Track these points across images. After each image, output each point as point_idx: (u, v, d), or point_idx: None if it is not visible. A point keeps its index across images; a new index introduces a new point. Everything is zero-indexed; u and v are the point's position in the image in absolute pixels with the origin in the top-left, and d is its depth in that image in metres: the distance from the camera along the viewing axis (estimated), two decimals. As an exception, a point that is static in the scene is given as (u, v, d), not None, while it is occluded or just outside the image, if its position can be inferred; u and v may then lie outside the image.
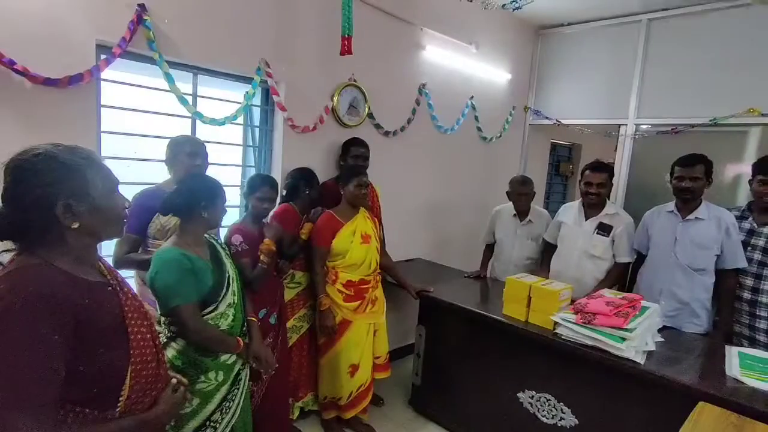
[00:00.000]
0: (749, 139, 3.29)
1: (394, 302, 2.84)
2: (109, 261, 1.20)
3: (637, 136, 3.75)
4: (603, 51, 3.92)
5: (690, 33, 3.43)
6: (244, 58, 2.38)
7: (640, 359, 1.83)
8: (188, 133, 2.32)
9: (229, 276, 1.63)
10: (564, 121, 4.16)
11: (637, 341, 1.84)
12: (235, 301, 1.64)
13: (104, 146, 2.09)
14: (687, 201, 2.33)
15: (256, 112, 2.68)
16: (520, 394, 2.26)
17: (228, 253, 1.75)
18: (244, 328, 1.71)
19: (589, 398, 2.02)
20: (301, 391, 2.51)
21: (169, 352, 1.51)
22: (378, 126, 3.07)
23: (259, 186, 2.10)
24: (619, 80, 3.80)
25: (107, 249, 1.89)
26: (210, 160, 2.06)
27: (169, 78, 2.08)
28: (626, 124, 3.78)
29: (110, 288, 1.04)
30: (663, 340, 2.05)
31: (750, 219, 2.25)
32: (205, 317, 1.53)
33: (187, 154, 1.94)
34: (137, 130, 2.20)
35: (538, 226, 2.98)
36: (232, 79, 2.45)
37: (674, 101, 3.51)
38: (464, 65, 3.61)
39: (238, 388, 1.66)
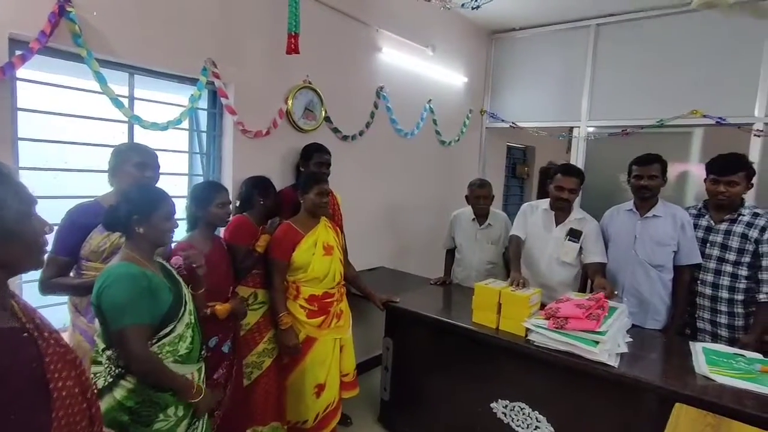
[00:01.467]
0: (693, 140, 3.46)
1: (359, 314, 2.72)
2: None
3: (589, 138, 3.84)
4: (554, 55, 4.00)
5: (636, 37, 3.56)
6: (188, 58, 2.18)
7: (614, 362, 1.80)
8: (125, 139, 2.08)
9: (185, 294, 1.48)
10: (520, 124, 4.21)
11: (609, 344, 1.82)
12: (192, 322, 1.48)
13: (22, 155, 1.82)
14: (645, 199, 2.38)
15: (203, 117, 2.47)
16: (493, 404, 2.19)
17: (177, 272, 1.58)
18: (203, 352, 1.54)
19: (564, 405, 1.97)
20: (266, 419, 2.30)
21: (118, 393, 1.31)
22: (336, 130, 2.94)
23: (217, 192, 1.90)
24: (571, 83, 3.89)
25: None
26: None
27: (99, 78, 1.84)
28: (579, 127, 3.88)
29: (26, 334, 0.84)
30: (632, 340, 2.05)
31: (707, 216, 2.31)
32: (162, 342, 1.36)
33: (134, 164, 1.72)
34: (65, 136, 1.94)
35: (497, 230, 2.95)
36: (174, 80, 2.24)
37: (624, 104, 3.63)
38: (421, 68, 3.55)
39: (199, 420, 1.49)
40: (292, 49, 2.21)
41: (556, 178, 2.49)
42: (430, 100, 3.70)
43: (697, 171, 3.46)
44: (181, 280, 1.54)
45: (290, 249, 2.16)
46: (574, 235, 2.46)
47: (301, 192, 2.22)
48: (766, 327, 2.07)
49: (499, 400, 2.17)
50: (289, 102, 2.60)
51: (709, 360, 1.85)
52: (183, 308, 1.44)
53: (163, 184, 1.77)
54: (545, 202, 2.60)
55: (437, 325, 2.34)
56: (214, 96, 2.38)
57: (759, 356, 1.92)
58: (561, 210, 2.52)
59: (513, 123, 4.25)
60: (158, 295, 1.35)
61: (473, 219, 2.97)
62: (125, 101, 2.00)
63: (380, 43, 3.17)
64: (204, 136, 2.47)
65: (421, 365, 2.49)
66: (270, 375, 2.22)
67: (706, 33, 3.26)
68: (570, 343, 1.86)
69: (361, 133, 3.11)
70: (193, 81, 2.23)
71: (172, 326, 1.38)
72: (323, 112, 2.80)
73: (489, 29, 4.25)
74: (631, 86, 3.59)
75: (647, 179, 2.34)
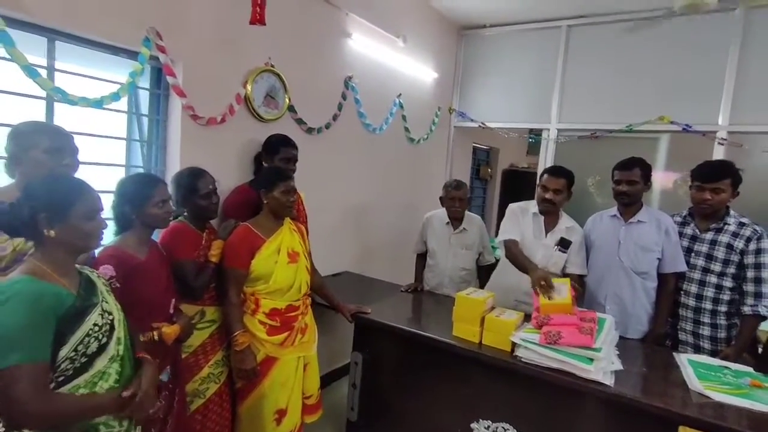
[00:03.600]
0: (660, 146, 3.48)
1: (322, 322, 2.44)
2: None
3: (559, 140, 3.79)
4: (525, 55, 3.92)
5: (607, 41, 3.54)
6: (126, 25, 1.83)
7: (609, 381, 1.66)
8: (42, 119, 1.69)
9: (113, 319, 1.18)
10: (488, 124, 4.10)
11: (604, 361, 1.68)
12: (121, 353, 1.19)
13: None
14: (626, 204, 2.31)
15: (145, 98, 2.10)
16: (474, 425, 2.00)
17: (110, 288, 1.27)
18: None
19: (552, 426, 1.82)
20: None
21: None
22: (300, 121, 2.65)
23: (154, 187, 1.55)
24: (542, 85, 3.82)
25: None
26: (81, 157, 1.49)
27: (4, 38, 1.46)
28: (548, 129, 3.82)
29: None
30: (618, 353, 1.93)
31: (692, 225, 2.25)
32: (73, 383, 1.07)
33: (45, 149, 1.37)
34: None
35: (472, 234, 2.80)
36: (108, 51, 1.87)
37: (593, 107, 3.61)
38: (392, 60, 3.33)
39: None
40: (257, 18, 1.91)
41: (542, 178, 2.37)
42: (400, 95, 3.49)
43: (662, 178, 3.48)
44: (112, 298, 1.22)
45: (249, 256, 1.86)
46: (564, 245, 2.32)
47: (264, 190, 1.92)
48: (748, 340, 2.03)
49: (481, 420, 1.98)
50: (249, 86, 2.29)
51: (699, 374, 1.77)
52: (108, 337, 1.14)
53: (93, 176, 1.42)
54: (533, 205, 2.44)
55: (412, 339, 2.12)
56: (159, 74, 2.03)
57: (743, 368, 1.87)
58: (548, 213, 2.39)
59: (482, 123, 4.13)
60: (73, 321, 1.05)
61: (447, 222, 2.79)
62: (43, 72, 1.62)
63: (350, 29, 2.91)
64: (146, 121, 2.10)
65: (393, 382, 2.26)
66: (215, 402, 1.89)
67: (675, 39, 3.28)
68: (563, 360, 1.71)
69: (327, 126, 2.84)
70: (132, 54, 1.87)
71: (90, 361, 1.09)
72: (287, 101, 2.50)
73: (459, 24, 4.11)
74: (601, 90, 3.57)
75: (626, 184, 2.25)
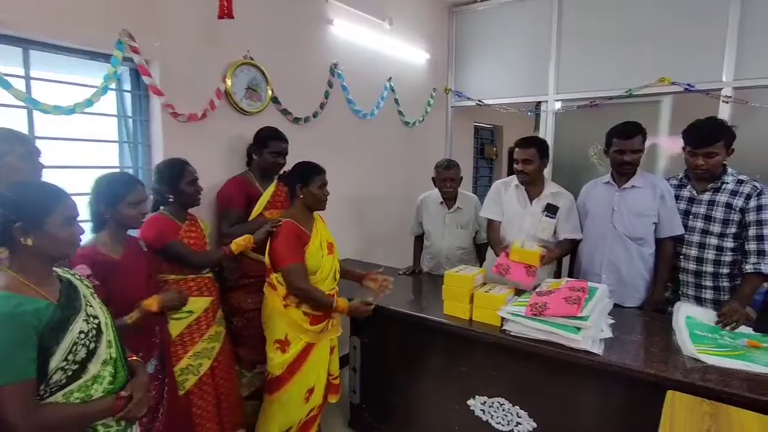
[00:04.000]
0: (662, 109, 3.35)
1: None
2: None
3: (558, 112, 3.69)
4: (518, 27, 3.82)
5: (601, 5, 3.41)
6: (98, 29, 1.86)
7: (598, 349, 1.64)
8: (26, 129, 1.76)
9: (99, 323, 1.18)
10: (486, 101, 4.03)
11: (592, 330, 1.65)
12: (113, 355, 1.20)
13: None
14: (630, 175, 2.23)
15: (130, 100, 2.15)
16: (470, 402, 2.01)
17: (94, 291, 1.27)
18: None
19: (546, 398, 1.80)
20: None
21: None
22: (286, 112, 2.66)
23: (128, 187, 1.57)
24: (537, 56, 3.72)
25: None
26: (74, 161, 1.55)
27: (-24, 51, 1.52)
28: (546, 101, 3.72)
29: None
30: (614, 321, 1.90)
31: (689, 187, 2.17)
32: (67, 389, 1.08)
33: (19, 156, 1.41)
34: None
35: (467, 213, 2.77)
36: (84, 57, 1.91)
37: (591, 75, 3.49)
38: (379, 44, 3.30)
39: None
40: (225, 12, 1.93)
41: (514, 152, 2.36)
42: (390, 79, 3.46)
43: (666, 143, 3.36)
44: (97, 300, 1.23)
45: (303, 251, 1.93)
46: (551, 210, 2.31)
47: (300, 185, 1.97)
48: (748, 298, 1.95)
49: (477, 396, 1.99)
50: (228, 81, 2.31)
51: (694, 337, 1.73)
52: (96, 342, 1.15)
53: (81, 180, 1.47)
54: (515, 179, 2.45)
55: (407, 320, 2.13)
56: (138, 75, 2.06)
57: (742, 327, 1.81)
58: (527, 184, 2.38)
59: (479, 101, 4.06)
60: (56, 332, 1.06)
61: (441, 202, 2.77)
62: (20, 82, 1.67)
63: (331, 15, 2.89)
64: (131, 122, 2.15)
65: (391, 364, 2.28)
66: (195, 394, 1.94)
67: (670, -4, 3.13)
68: (550, 330, 1.69)
69: (315, 115, 2.84)
70: (107, 57, 1.91)
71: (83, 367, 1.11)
72: (269, 92, 2.51)
73: (449, 2, 4.02)
74: (597, 56, 3.45)
75: (630, 154, 2.16)
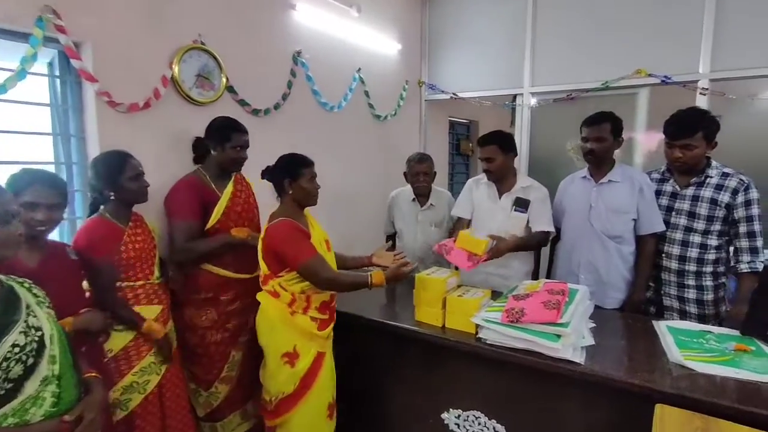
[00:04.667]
0: (640, 102, 3.28)
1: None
2: None
3: (534, 105, 3.58)
4: (493, 17, 3.69)
5: (576, -7, 3.31)
6: (15, 3, 1.62)
7: (579, 358, 1.51)
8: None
9: (42, 335, 1.04)
10: (461, 95, 3.89)
11: (573, 337, 1.51)
12: (56, 373, 1.05)
13: None
14: (595, 164, 2.15)
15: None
16: (444, 415, 1.86)
17: (43, 299, 1.13)
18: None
19: (524, 411, 1.67)
20: None
21: None
22: (243, 103, 2.44)
23: (25, 186, 1.35)
24: (512, 48, 3.60)
25: None
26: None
27: None
28: (522, 94, 3.61)
29: None
30: (594, 325, 1.78)
31: (671, 181, 2.07)
32: (1, 411, 0.95)
33: None
34: None
35: (440, 210, 2.63)
36: (6, 37, 1.66)
37: (567, 67, 3.39)
38: (346, 32, 3.11)
39: None
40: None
41: (478, 151, 2.28)
42: (359, 69, 3.27)
43: (643, 138, 3.30)
44: (43, 310, 1.08)
45: (312, 245, 1.78)
46: (521, 204, 2.21)
47: (289, 179, 1.79)
48: (748, 298, 1.86)
49: (451, 409, 1.84)
50: (175, 67, 2.08)
51: (679, 342, 1.62)
52: (35, 357, 1.01)
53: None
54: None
55: (376, 328, 1.97)
56: (68, 59, 1.82)
57: (727, 331, 1.72)
58: (496, 182, 2.28)
59: (454, 94, 3.92)
60: None
61: (413, 199, 2.62)
62: None
63: (293, 0, 2.68)
64: (62, 111, 1.91)
65: (362, 376, 2.11)
66: (137, 416, 1.71)
67: (648, -14, 3.05)
68: (527, 339, 1.55)
69: (276, 107, 2.63)
70: (28, 37, 1.67)
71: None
72: (224, 81, 2.30)
73: (421, -10, 3.87)
74: (574, 48, 3.35)
75: (593, 141, 2.09)
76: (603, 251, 2.10)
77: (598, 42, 3.25)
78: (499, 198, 2.28)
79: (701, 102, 2.94)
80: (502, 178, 2.26)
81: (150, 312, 1.76)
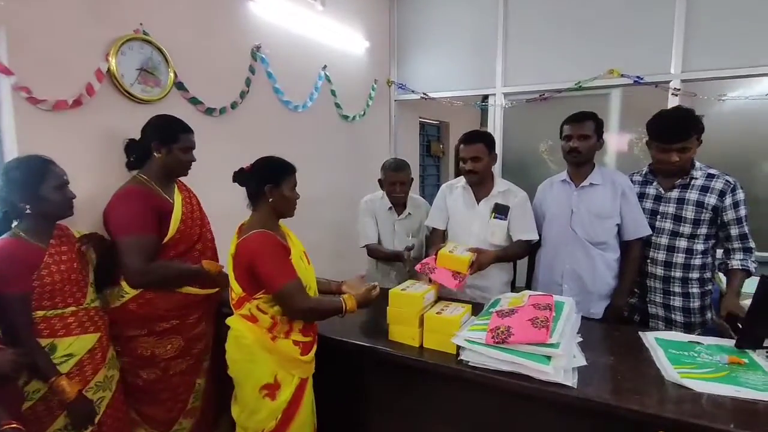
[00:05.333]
0: (612, 102, 3.25)
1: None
2: None
3: (507, 105, 3.49)
4: (464, 15, 3.58)
5: (548, -8, 3.24)
6: None
7: (572, 381, 1.37)
8: None
9: None
10: (431, 95, 3.76)
11: (565, 359, 1.37)
12: None
13: None
14: (578, 164, 2.05)
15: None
16: (423, 444, 1.69)
17: None
18: None
19: (512, 440, 1.52)
20: None
21: None
22: (195, 101, 2.21)
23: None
24: (484, 47, 3.50)
25: None
26: None
27: None
28: (494, 94, 3.51)
29: None
30: (582, 339, 1.65)
31: (654, 183, 1.98)
32: None
33: None
34: None
35: (417, 219, 2.47)
36: None
37: (540, 66, 3.32)
38: (311, 27, 2.91)
39: None
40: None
41: (460, 149, 2.13)
42: (325, 67, 3.08)
43: (615, 139, 3.26)
44: None
45: (291, 264, 1.59)
46: (500, 211, 2.08)
47: (270, 185, 1.59)
48: (739, 290, 1.79)
49: (430, 438, 1.67)
50: (112, 60, 1.83)
51: (671, 357, 1.52)
52: None
53: None
54: (462, 180, 2.22)
55: (347, 348, 1.77)
56: (-22, 48, 1.55)
57: (715, 341, 1.64)
58: (476, 185, 2.14)
59: (424, 94, 3.78)
60: None
61: (390, 208, 2.44)
62: None
63: (251, -10, 2.47)
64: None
65: (332, 402, 1.90)
66: None
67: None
68: (515, 361, 1.40)
69: (233, 105, 2.41)
70: None
71: None
72: (171, 76, 2.05)
73: (389, -14, 3.72)
74: (546, 48, 3.28)
75: (577, 140, 1.99)
76: (587, 259, 2.00)
77: (571, 42, 3.19)
78: (477, 204, 2.14)
79: (673, 103, 2.91)
80: (482, 181, 2.13)
81: (85, 342, 1.51)
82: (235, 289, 1.57)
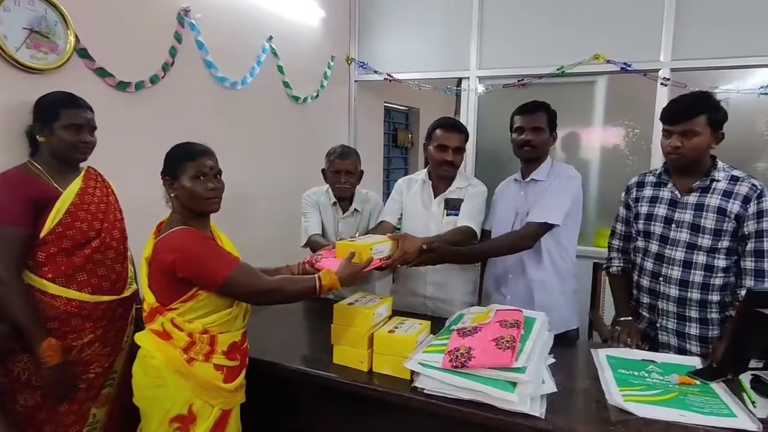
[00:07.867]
0: (597, 91, 3.30)
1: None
2: None
3: (482, 91, 3.49)
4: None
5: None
6: None
7: (539, 410, 1.34)
8: None
9: None
10: (396, 76, 3.72)
11: (531, 385, 1.35)
12: None
13: None
14: (531, 160, 2.09)
15: None
16: (371, 486, 1.63)
17: None
18: None
19: (471, 480, 1.48)
20: None
21: None
22: (104, 72, 2.06)
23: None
24: (457, 25, 3.51)
25: None
26: None
27: None
28: (468, 78, 3.51)
29: None
30: (555, 360, 1.64)
31: (669, 186, 1.84)
32: None
33: None
34: None
35: (366, 217, 2.42)
36: None
37: (519, 49, 3.36)
38: (253, -9, 2.81)
39: None
40: None
41: (435, 135, 2.11)
42: (270, 38, 2.98)
43: (600, 132, 3.32)
44: None
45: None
46: (452, 207, 2.09)
47: (169, 178, 1.52)
48: None
49: (380, 478, 1.62)
50: (-8, 17, 1.67)
51: (619, 378, 1.54)
52: None
53: None
54: (424, 172, 2.23)
55: (285, 375, 1.70)
56: None
57: (671, 358, 1.68)
58: (444, 178, 2.15)
59: (388, 75, 3.74)
60: None
61: (334, 203, 2.38)
62: None
63: (177, -59, 2.34)
64: None
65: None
66: None
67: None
68: (475, 388, 1.37)
69: (153, 80, 2.27)
70: None
71: None
72: (71, 41, 1.90)
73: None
74: (526, 28, 3.31)
75: (530, 132, 2.02)
76: (534, 262, 2.05)
77: (554, 23, 3.23)
78: (434, 200, 2.18)
79: (662, 93, 2.98)
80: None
81: None
82: (147, 299, 1.48)
